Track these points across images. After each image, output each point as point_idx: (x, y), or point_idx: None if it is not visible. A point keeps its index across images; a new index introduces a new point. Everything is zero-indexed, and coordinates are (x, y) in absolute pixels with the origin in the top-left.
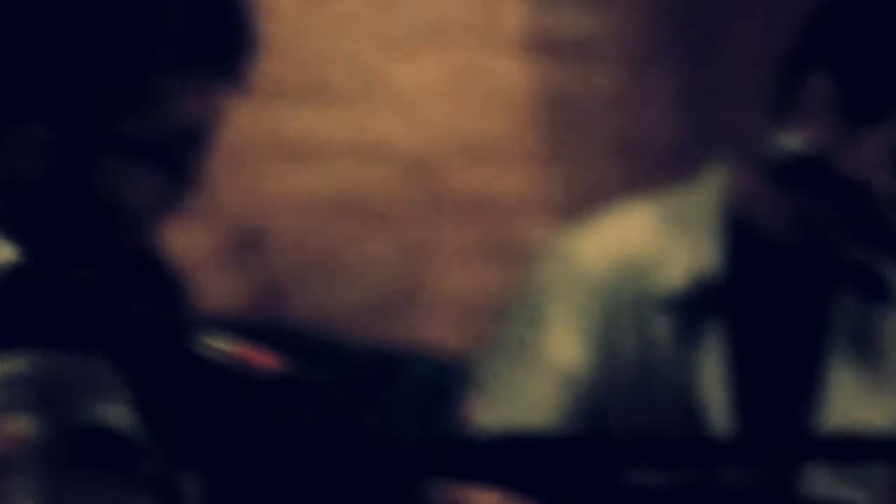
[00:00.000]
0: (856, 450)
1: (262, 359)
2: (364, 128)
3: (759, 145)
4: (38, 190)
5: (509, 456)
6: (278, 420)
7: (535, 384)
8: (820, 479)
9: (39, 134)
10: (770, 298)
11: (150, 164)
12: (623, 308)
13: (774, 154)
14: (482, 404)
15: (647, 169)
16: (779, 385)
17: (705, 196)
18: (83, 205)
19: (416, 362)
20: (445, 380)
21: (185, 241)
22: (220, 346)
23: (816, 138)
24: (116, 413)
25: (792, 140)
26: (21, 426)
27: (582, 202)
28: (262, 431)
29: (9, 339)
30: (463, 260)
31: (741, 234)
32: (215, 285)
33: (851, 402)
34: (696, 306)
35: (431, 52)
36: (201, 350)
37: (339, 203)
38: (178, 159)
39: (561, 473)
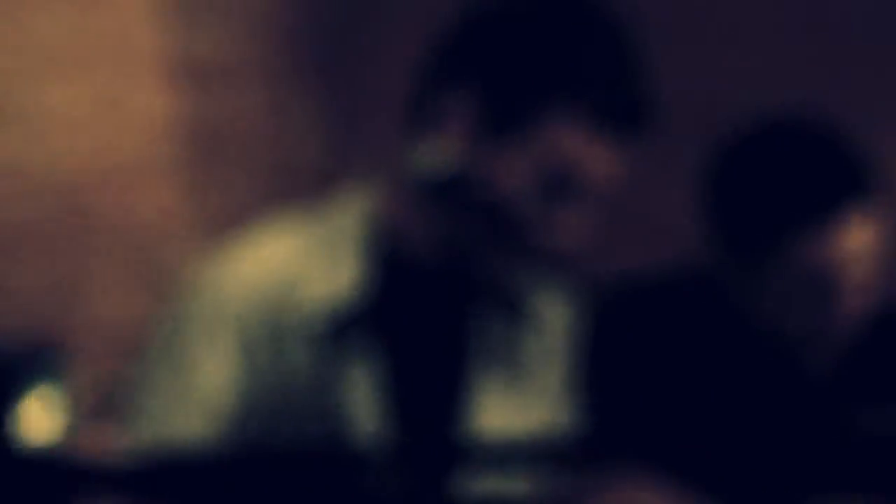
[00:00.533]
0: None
1: None
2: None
3: (401, 164)
4: None
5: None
6: None
7: (181, 417)
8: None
9: None
10: (417, 320)
11: None
12: (266, 335)
13: (416, 173)
14: (130, 435)
15: (297, 192)
16: (427, 406)
17: (349, 217)
18: None
19: None
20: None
21: None
22: None
23: (458, 156)
24: None
25: (433, 158)
26: None
27: (231, 228)
28: None
29: None
30: (111, 288)
31: (387, 254)
32: None
33: (497, 418)
34: (337, 332)
35: (71, 78)
36: None
37: None
38: None
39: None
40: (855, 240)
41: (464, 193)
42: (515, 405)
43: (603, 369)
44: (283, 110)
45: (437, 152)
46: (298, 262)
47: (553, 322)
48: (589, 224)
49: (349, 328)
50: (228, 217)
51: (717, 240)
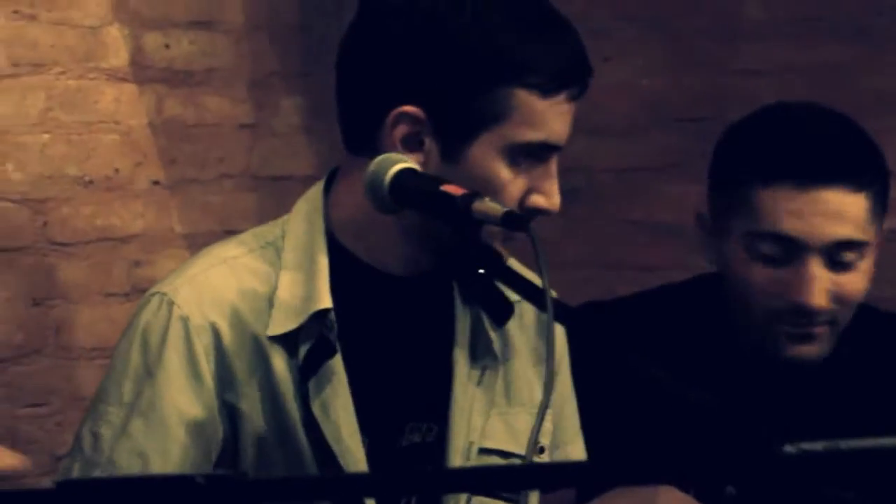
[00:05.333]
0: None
1: None
2: None
3: (353, 173)
4: None
5: None
6: None
7: (155, 438)
8: None
9: None
10: (386, 327)
11: None
12: (239, 350)
13: (376, 183)
14: (97, 458)
15: (276, 199)
16: (409, 413)
17: (303, 227)
18: None
19: None
20: None
21: None
22: None
23: (421, 163)
24: None
25: (383, 169)
26: None
27: (210, 235)
28: None
29: None
30: (90, 299)
31: (349, 263)
32: None
33: (478, 421)
34: (314, 343)
35: (28, 82)
36: None
37: None
38: None
39: None
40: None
41: (430, 198)
42: (497, 410)
43: (590, 390)
44: (263, 117)
45: (388, 164)
46: (268, 271)
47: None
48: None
49: (325, 341)
50: (206, 225)
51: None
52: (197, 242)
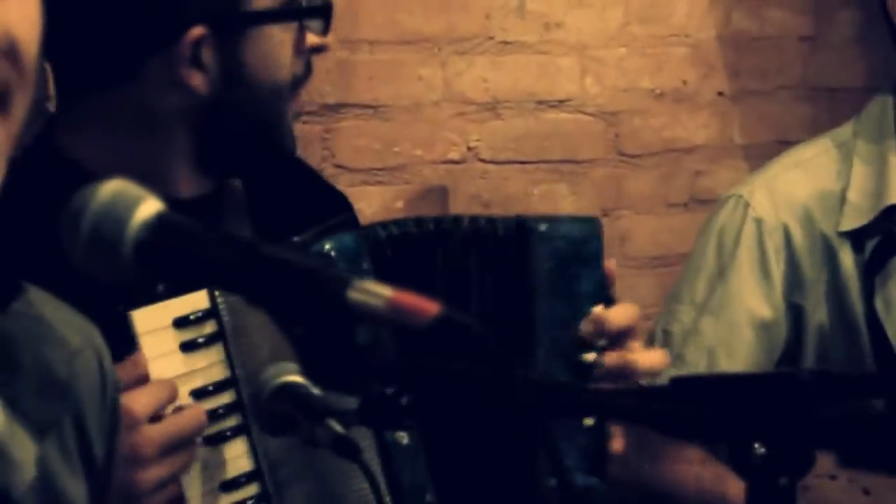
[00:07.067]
0: None
1: (419, 303)
2: (542, 78)
3: None
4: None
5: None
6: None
7: (723, 337)
8: None
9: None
10: None
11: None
12: (809, 250)
13: None
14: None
15: (830, 110)
16: None
17: (874, 131)
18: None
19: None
20: (580, 243)
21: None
22: (375, 291)
23: None
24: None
25: None
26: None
27: (766, 146)
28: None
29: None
30: (654, 209)
31: None
32: None
33: None
34: (881, 238)
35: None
36: (356, 297)
37: (529, 155)
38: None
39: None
40: None
41: None
42: None
43: None
44: (822, 31)
45: None
46: (836, 173)
47: None
48: None
49: (892, 231)
50: (765, 137)
51: None
52: (753, 154)
